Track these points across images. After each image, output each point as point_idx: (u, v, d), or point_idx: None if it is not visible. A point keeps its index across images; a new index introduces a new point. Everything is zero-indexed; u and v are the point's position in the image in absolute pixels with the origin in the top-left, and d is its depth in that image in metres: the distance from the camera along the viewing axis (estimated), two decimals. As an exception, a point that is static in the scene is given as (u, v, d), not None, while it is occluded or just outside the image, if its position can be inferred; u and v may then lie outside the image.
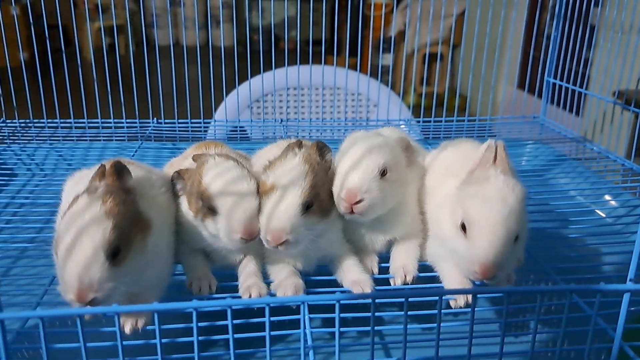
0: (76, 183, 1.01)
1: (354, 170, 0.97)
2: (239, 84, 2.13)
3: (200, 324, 0.74)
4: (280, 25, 6.36)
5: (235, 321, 0.75)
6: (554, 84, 2.00)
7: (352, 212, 0.97)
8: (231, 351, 0.76)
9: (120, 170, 0.88)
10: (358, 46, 1.95)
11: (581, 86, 1.87)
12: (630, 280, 0.75)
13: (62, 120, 1.85)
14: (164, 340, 0.75)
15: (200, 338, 0.75)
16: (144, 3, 1.87)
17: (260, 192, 0.95)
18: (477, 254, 0.83)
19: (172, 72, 1.86)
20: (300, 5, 1.87)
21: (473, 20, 1.96)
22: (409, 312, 0.78)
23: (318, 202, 0.95)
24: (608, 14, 1.74)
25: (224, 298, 0.82)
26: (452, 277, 0.97)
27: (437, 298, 0.75)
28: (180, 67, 1.84)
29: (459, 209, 0.88)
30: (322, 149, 1.02)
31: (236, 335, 0.76)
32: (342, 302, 0.76)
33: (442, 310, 0.76)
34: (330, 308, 0.89)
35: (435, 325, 0.76)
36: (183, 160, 1.14)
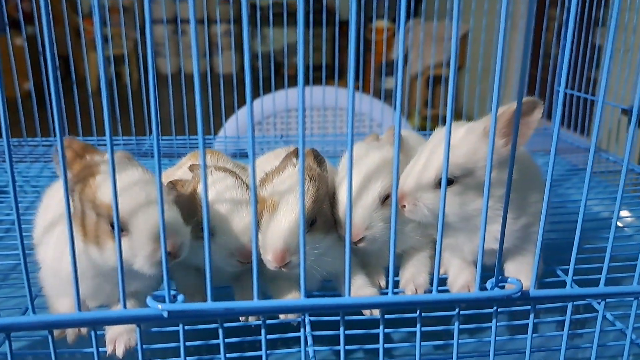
0: None
1: (353, 206, 0.89)
2: (241, 106, 2.08)
3: (190, 343, 0.67)
4: (281, 52, 6.37)
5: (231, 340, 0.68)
6: (565, 95, 1.94)
7: (357, 244, 0.90)
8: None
9: None
10: (362, 69, 1.93)
11: (588, 104, 1.82)
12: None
13: (56, 139, 1.79)
14: None
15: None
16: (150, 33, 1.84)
17: (259, 209, 0.86)
18: None
19: (168, 89, 1.81)
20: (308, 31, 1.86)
21: (477, 42, 1.93)
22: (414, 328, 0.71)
23: (321, 217, 0.88)
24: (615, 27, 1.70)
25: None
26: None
27: (454, 312, 0.68)
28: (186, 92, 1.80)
29: None
30: (318, 157, 0.95)
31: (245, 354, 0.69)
32: (346, 314, 0.69)
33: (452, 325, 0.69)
34: (331, 326, 0.83)
35: (451, 342, 0.69)
36: (177, 170, 1.08)
